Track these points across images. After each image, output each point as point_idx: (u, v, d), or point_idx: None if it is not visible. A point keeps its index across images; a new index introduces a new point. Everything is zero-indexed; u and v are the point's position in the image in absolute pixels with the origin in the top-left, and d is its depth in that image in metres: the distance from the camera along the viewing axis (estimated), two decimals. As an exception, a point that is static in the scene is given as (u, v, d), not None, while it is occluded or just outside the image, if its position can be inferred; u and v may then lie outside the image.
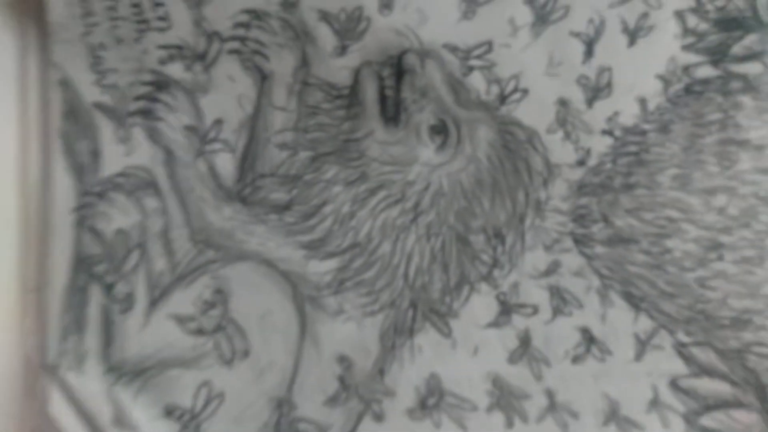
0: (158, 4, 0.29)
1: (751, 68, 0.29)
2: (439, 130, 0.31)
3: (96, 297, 0.29)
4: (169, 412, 0.29)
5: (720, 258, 0.29)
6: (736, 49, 0.29)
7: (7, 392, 0.29)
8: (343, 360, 0.30)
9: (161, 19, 0.29)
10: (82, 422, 0.28)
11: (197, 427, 0.29)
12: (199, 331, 0.29)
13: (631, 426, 0.29)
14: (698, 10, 0.29)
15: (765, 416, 0.29)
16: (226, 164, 0.30)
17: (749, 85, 0.29)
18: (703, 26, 0.29)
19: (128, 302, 0.29)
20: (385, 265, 0.30)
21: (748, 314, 0.29)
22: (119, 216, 0.29)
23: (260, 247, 0.30)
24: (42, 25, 0.29)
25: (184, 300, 0.30)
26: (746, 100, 0.29)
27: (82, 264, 0.29)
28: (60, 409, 0.27)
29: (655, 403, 0.29)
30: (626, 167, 0.30)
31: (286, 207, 0.30)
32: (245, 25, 0.30)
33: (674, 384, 0.29)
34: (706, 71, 0.29)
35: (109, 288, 0.29)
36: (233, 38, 0.30)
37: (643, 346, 0.30)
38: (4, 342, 0.29)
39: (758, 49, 0.29)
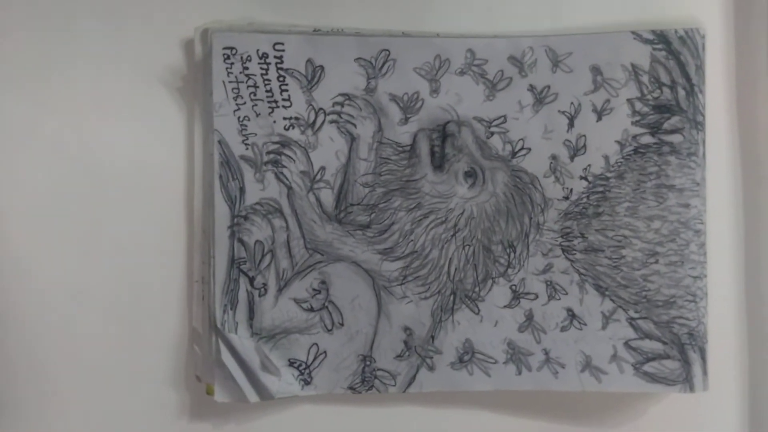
0: (284, 90, 0.37)
1: (675, 138, 0.37)
2: (471, 174, 0.37)
3: (244, 285, 0.37)
4: (292, 362, 0.37)
5: (656, 261, 0.37)
6: (666, 125, 0.37)
7: (178, 352, 0.39)
8: (407, 329, 0.37)
9: (285, 100, 0.37)
10: (241, 368, 0.37)
11: (309, 373, 0.37)
12: (310, 309, 0.37)
13: (599, 372, 0.38)
14: (642, 98, 0.37)
15: (682, 364, 0.38)
16: (327, 197, 0.37)
17: (674, 149, 0.37)
18: (645, 109, 0.37)
19: (264, 289, 0.37)
20: (434, 266, 0.37)
21: (673, 298, 0.37)
22: (257, 231, 0.37)
23: (351, 252, 0.37)
24: (204, 104, 0.38)
25: (300, 288, 0.37)
26: (672, 159, 0.37)
27: (234, 263, 0.37)
28: (227, 358, 0.36)
29: (614, 357, 0.38)
30: (596, 201, 0.37)
31: (367, 226, 0.37)
32: (340, 104, 0.37)
33: (627, 344, 0.38)
34: (647, 139, 0.37)
35: (251, 280, 0.37)
36: (332, 112, 0.37)
37: (606, 319, 0.37)
38: (176, 317, 0.39)
39: (680, 126, 0.37)
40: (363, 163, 0.37)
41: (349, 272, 0.37)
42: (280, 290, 0.37)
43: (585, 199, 0.38)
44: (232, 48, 0.37)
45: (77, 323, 0.38)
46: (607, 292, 0.38)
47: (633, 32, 0.38)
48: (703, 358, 0.38)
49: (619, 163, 0.37)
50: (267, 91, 0.37)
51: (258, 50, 0.37)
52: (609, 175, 0.38)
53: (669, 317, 0.38)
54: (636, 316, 0.38)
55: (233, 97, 0.37)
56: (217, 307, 0.37)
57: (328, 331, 0.38)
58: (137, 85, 0.38)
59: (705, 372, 0.38)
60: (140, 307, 0.38)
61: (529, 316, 0.38)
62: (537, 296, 0.38)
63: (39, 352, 0.38)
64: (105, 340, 0.38)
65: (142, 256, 0.39)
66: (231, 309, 0.37)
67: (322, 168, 0.37)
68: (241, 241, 0.37)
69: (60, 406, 0.38)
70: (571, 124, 0.37)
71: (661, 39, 0.38)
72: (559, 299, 0.38)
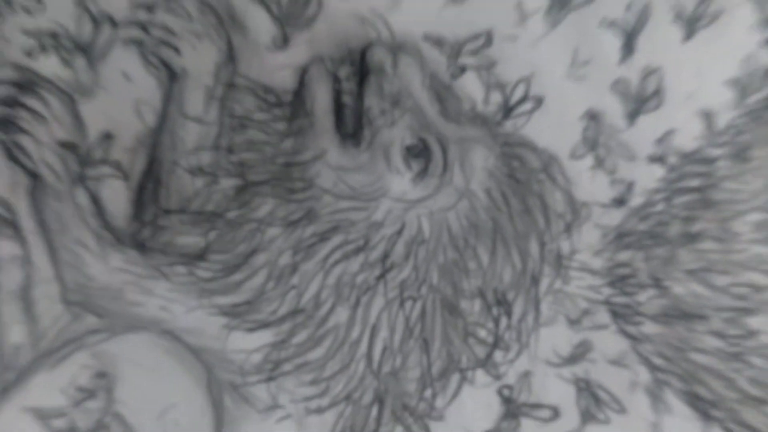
0: None
1: None
2: (418, 152, 0.25)
3: None
4: None
5: None
6: None
7: None
8: None
9: None
10: None
11: None
12: None
13: None
14: None
15: None
16: (116, 195, 0.25)
17: None
18: None
19: None
20: (340, 341, 0.25)
21: None
22: None
23: (162, 312, 0.25)
24: None
25: (51, 386, 0.25)
26: None
27: None
28: None
29: None
30: (686, 209, 0.25)
31: (200, 256, 0.25)
32: (148, 7, 0.25)
33: None
34: None
35: None
36: (131, 23, 0.25)
37: None
38: None
39: None
40: (194, 127, 0.26)
41: (157, 354, 0.25)
42: (4, 391, 0.24)
43: (662, 205, 0.25)
44: None
45: None
46: (715, 413, 0.24)
47: None
48: None
49: (738, 128, 0.25)
50: (-6, -23, 0.25)
51: None
52: (715, 152, 0.25)
53: None
54: (784, 468, 0.25)
55: None
56: None
57: (107, 481, 0.25)
58: None
59: None
60: None
61: (542, 460, 0.26)
62: (557, 413, 0.25)
63: None
64: None
65: None
66: None
67: (108, 136, 0.25)
68: None
69: None
70: (628, 48, 0.25)
71: None
72: (608, 423, 0.25)
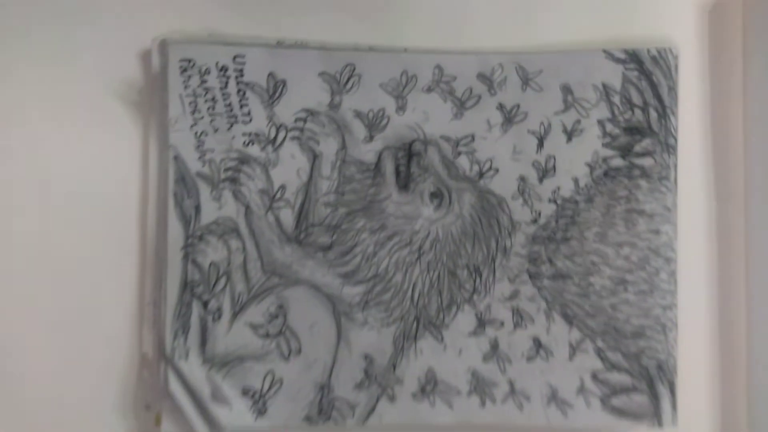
0: (243, 105, 0.36)
1: (646, 161, 0.36)
2: (437, 195, 0.36)
3: (196, 310, 0.36)
4: (245, 391, 0.36)
5: (625, 290, 0.36)
6: (637, 148, 0.36)
7: (128, 379, 0.37)
8: (367, 357, 0.36)
9: (245, 115, 0.36)
10: (190, 398, 0.35)
11: (264, 403, 0.36)
12: (266, 335, 0.36)
13: (565, 405, 0.37)
14: (613, 120, 0.37)
15: (651, 398, 0.36)
16: (287, 217, 0.36)
17: (645, 173, 0.36)
18: (616, 131, 0.37)
19: (218, 314, 0.36)
20: (398, 291, 0.36)
21: (642, 329, 0.36)
22: (212, 252, 0.36)
23: (310, 275, 0.36)
24: (160, 119, 0.37)
25: (256, 313, 0.36)
26: (643, 183, 0.36)
27: (187, 286, 0.36)
28: (176, 387, 0.35)
29: (581, 390, 0.37)
30: (564, 225, 0.36)
31: (328, 247, 0.36)
32: (303, 120, 0.36)
33: (594, 376, 0.37)
34: (617, 162, 0.36)
35: (205, 304, 0.36)
36: (294, 129, 0.36)
37: (574, 350, 0.37)
38: (126, 341, 0.37)
39: (651, 149, 0.37)
40: (325, 182, 0.36)
41: (308, 297, 0.36)
42: (234, 315, 0.36)
43: (553, 223, 0.37)
44: (189, 60, 0.36)
45: (22, 343, 0.37)
46: (575, 321, 0.37)
47: (605, 51, 0.37)
48: (672, 392, 0.37)
49: (589, 187, 0.37)
50: (226, 106, 0.36)
51: (217, 63, 0.36)
52: (578, 198, 0.37)
53: (638, 348, 0.37)
54: (604, 346, 0.37)
55: (190, 112, 0.36)
56: (167, 333, 0.36)
57: (285, 358, 0.36)
58: (91, 97, 0.37)
59: (674, 407, 0.37)
60: (89, 329, 0.37)
61: (495, 345, 0.37)
62: (503, 324, 0.37)
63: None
64: (50, 361, 0.37)
65: (92, 275, 0.37)
66: (182, 334, 0.36)
67: (282, 186, 0.36)
68: (195, 262, 0.36)
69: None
70: (540, 145, 0.37)
71: (633, 58, 0.37)
72: (526, 328, 0.37)
